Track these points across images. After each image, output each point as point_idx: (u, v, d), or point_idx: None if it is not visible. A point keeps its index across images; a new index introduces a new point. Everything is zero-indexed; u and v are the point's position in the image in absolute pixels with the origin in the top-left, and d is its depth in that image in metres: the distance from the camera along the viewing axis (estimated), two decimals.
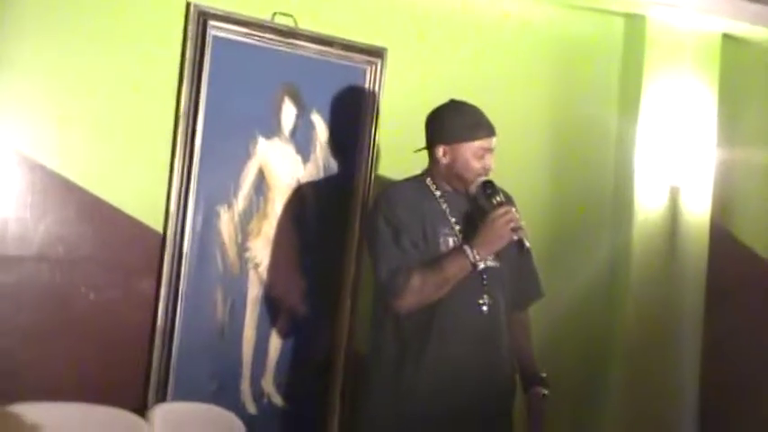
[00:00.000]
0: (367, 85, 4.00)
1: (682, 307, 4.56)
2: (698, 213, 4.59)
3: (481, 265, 3.44)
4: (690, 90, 4.58)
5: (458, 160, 3.52)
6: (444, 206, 3.55)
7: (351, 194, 4.00)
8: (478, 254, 3.42)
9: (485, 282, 3.50)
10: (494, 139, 3.52)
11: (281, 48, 3.82)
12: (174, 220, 3.66)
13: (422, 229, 3.50)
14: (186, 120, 3.66)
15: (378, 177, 4.02)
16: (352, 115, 4.00)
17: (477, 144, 3.50)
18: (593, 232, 4.52)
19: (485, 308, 3.50)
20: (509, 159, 3.80)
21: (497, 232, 3.42)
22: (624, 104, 4.59)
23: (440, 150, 3.54)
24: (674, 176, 4.54)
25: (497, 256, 3.51)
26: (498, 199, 3.46)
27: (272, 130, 3.86)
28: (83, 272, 3.59)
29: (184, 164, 3.66)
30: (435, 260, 3.46)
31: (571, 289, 4.31)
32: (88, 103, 3.58)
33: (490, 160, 3.51)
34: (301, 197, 3.93)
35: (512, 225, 3.41)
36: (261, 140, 3.82)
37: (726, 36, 4.68)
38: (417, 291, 3.43)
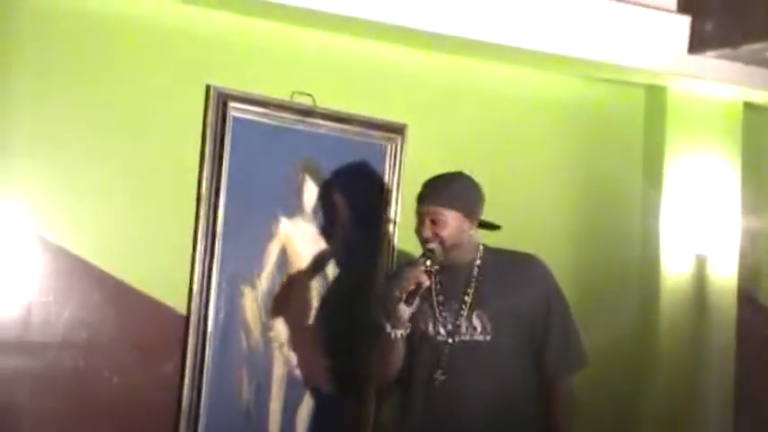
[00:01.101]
0: (387, 162, 4.02)
1: (712, 374, 4.53)
2: (725, 281, 4.58)
3: (397, 333, 3.38)
4: (713, 158, 4.60)
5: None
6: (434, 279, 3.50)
7: (374, 272, 3.98)
8: (389, 322, 3.39)
9: (445, 355, 3.43)
10: (432, 209, 3.43)
11: (300, 126, 3.85)
12: (198, 300, 3.67)
13: None
14: (208, 200, 3.68)
15: (400, 254, 4.00)
16: (373, 192, 4.01)
17: (418, 208, 3.48)
18: (620, 300, 4.49)
19: (437, 382, 3.42)
20: (533, 230, 3.86)
21: (391, 297, 3.39)
22: (648, 174, 4.59)
23: None
24: (699, 244, 4.53)
25: (484, 328, 3.43)
26: (425, 263, 3.38)
27: (294, 208, 3.87)
28: (106, 356, 3.60)
29: (207, 244, 3.68)
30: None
31: (598, 358, 4.15)
32: (110, 186, 3.62)
33: (429, 229, 3.42)
34: (322, 269, 3.92)
35: (403, 285, 3.34)
36: (283, 220, 3.84)
37: (747, 104, 4.71)
38: (370, 364, 3.58)
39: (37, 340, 3.51)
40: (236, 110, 3.72)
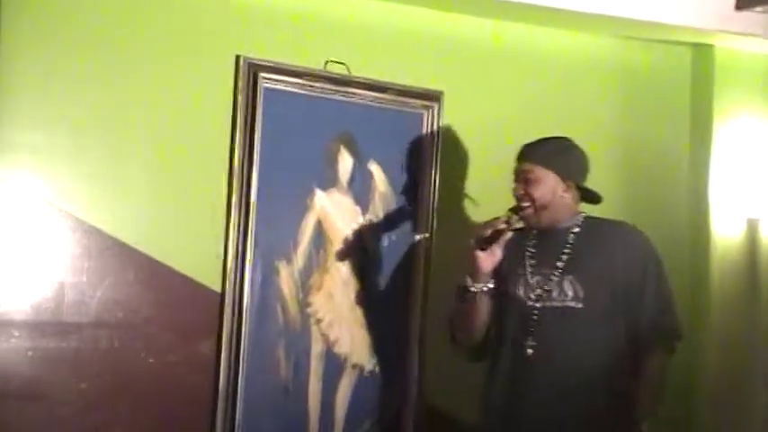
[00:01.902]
0: (425, 131, 3.98)
1: (765, 343, 4.43)
2: None
3: (477, 288, 3.35)
4: (763, 118, 4.50)
5: None
6: (528, 243, 3.49)
7: (413, 243, 3.98)
8: (470, 278, 3.37)
9: (532, 321, 3.39)
10: (527, 166, 3.42)
11: (334, 96, 3.81)
12: (233, 277, 3.64)
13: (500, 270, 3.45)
14: (240, 174, 3.64)
15: (440, 225, 3.98)
16: (410, 162, 3.98)
17: (514, 167, 3.48)
18: (670, 266, 4.22)
19: (529, 351, 3.37)
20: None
21: (470, 246, 3.36)
22: (696, 135, 4.54)
23: None
24: (751, 207, 4.45)
25: (576, 295, 3.37)
26: (508, 216, 3.38)
27: (330, 181, 3.84)
28: (141, 336, 3.59)
29: (240, 219, 3.65)
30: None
31: None
32: (140, 162, 3.59)
33: (521, 187, 3.42)
34: (363, 249, 3.90)
35: (478, 232, 3.34)
36: (318, 192, 3.81)
37: None
38: (452, 327, 3.51)
39: (71, 321, 3.49)
40: (267, 80, 3.67)
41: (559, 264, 3.42)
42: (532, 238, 3.47)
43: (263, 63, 3.67)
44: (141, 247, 3.57)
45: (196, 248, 3.66)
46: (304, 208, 3.78)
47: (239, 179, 3.64)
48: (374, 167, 3.93)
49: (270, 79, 3.68)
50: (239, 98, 3.64)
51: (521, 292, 3.43)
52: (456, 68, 4.10)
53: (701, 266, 4.43)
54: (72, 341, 3.50)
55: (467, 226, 3.99)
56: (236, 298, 3.64)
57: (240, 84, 3.64)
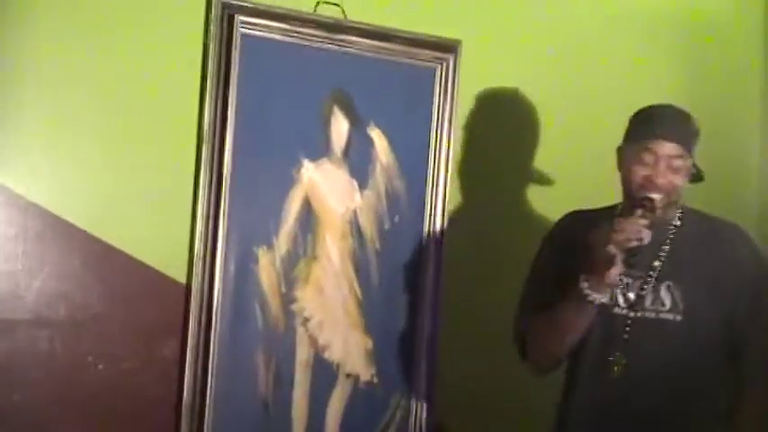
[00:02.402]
0: (437, 89, 3.76)
1: None
2: None
3: (594, 298, 3.03)
4: None
5: (623, 168, 3.21)
6: None
7: (422, 227, 3.76)
8: (590, 283, 3.04)
9: (626, 334, 3.15)
10: (667, 145, 3.11)
11: (327, 46, 3.58)
12: (201, 267, 3.41)
13: (572, 274, 3.18)
14: (212, 142, 3.41)
15: (455, 206, 3.82)
16: (420, 127, 3.76)
17: (638, 146, 3.14)
18: None
19: (615, 368, 3.14)
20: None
21: (600, 254, 3.01)
22: None
23: (618, 156, 3.28)
24: None
25: (674, 305, 3.15)
26: (643, 213, 3.06)
27: (320, 149, 3.60)
28: (90, 337, 3.34)
29: (211, 196, 3.41)
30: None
31: None
32: (92, 124, 3.32)
33: (661, 175, 3.10)
34: (360, 233, 3.68)
35: (617, 239, 2.97)
36: (306, 163, 3.56)
37: None
38: (532, 343, 3.26)
39: (1, 317, 3.22)
40: (245, 26, 3.44)
41: (656, 263, 3.20)
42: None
43: (241, 3, 3.44)
44: (90, 229, 3.33)
45: (157, 231, 3.42)
46: (289, 182, 3.56)
47: (210, 147, 3.40)
48: (375, 133, 3.70)
49: (248, 24, 3.45)
50: (211, 47, 3.39)
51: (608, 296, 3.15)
52: (475, 14, 3.90)
53: None
54: (2, 342, 3.24)
55: (489, 207, 3.89)
56: (204, 292, 3.42)
57: (212, 29, 3.40)
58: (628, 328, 3.17)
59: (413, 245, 3.77)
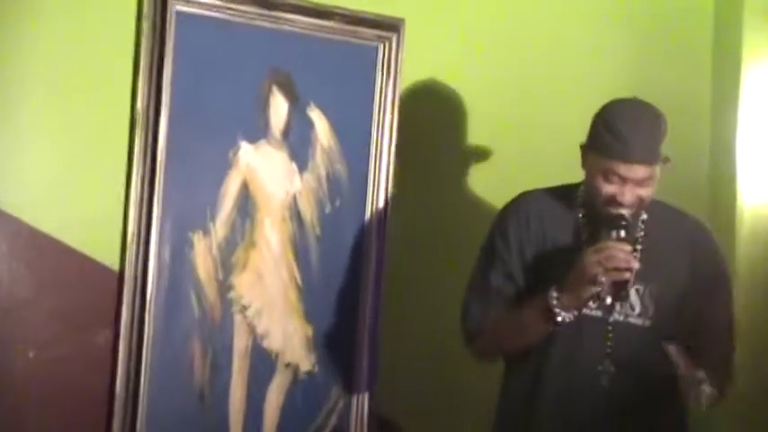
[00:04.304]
0: (379, 68, 3.98)
1: None
2: None
3: (563, 317, 3.33)
4: None
5: (589, 173, 3.47)
6: (584, 230, 3.52)
7: (364, 212, 4.00)
8: (560, 301, 3.32)
9: (609, 342, 3.45)
10: (635, 168, 3.34)
11: (265, 23, 3.80)
12: (134, 252, 3.62)
13: (537, 256, 3.51)
14: (145, 122, 3.62)
15: (399, 190, 4.02)
16: (362, 108, 3.98)
17: (606, 163, 3.37)
18: None
19: (604, 378, 3.43)
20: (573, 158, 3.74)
21: (583, 274, 3.28)
22: (720, 84, 4.60)
23: (582, 153, 3.49)
24: None
25: (644, 309, 3.45)
26: (618, 234, 3.33)
27: (258, 131, 3.82)
28: (18, 323, 3.53)
29: (144, 179, 3.62)
30: (519, 302, 3.46)
31: None
32: (20, 106, 3.53)
33: (628, 192, 3.35)
34: (299, 218, 3.90)
35: (607, 265, 3.25)
36: (243, 145, 3.79)
37: None
38: (489, 338, 3.50)
39: None
40: (180, 2, 3.65)
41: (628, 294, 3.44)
42: (587, 221, 3.51)
43: None
44: (18, 213, 3.51)
45: (89, 215, 3.61)
46: (226, 165, 3.77)
47: (143, 128, 3.62)
48: (315, 115, 3.91)
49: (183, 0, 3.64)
50: (144, 25, 3.60)
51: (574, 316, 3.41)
52: None
53: (724, 243, 4.20)
54: None
55: (434, 191, 4.10)
56: (138, 278, 3.62)
57: (145, 6, 3.60)
58: (611, 335, 3.44)
59: (354, 230, 3.98)
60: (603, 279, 3.25)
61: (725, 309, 3.53)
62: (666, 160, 3.42)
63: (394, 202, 4.02)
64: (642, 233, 3.49)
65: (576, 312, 3.32)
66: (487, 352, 3.59)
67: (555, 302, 3.31)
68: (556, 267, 3.40)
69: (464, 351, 3.62)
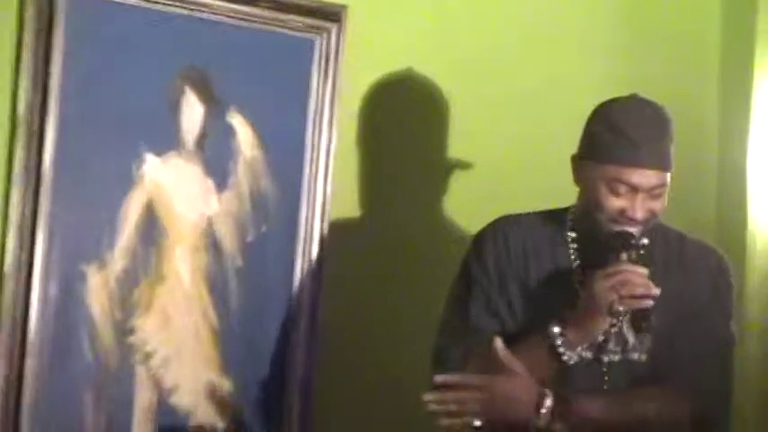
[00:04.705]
0: (316, 65, 3.80)
1: None
2: None
3: (568, 357, 3.13)
4: None
5: (587, 186, 3.27)
6: (574, 258, 3.33)
7: (296, 239, 3.80)
8: (566, 337, 3.13)
9: (606, 385, 3.26)
10: (648, 175, 3.15)
11: (177, 10, 3.61)
12: (12, 289, 3.39)
13: (520, 289, 3.32)
14: (28, 129, 3.40)
15: (338, 212, 3.85)
16: (294, 113, 3.80)
17: (611, 171, 3.17)
18: None
19: None
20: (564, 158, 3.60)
21: (594, 304, 3.11)
22: (729, 88, 4.49)
23: (575, 165, 3.33)
24: None
25: (639, 341, 3.25)
26: (630, 255, 3.16)
27: (167, 140, 3.62)
28: None
29: (26, 198, 3.41)
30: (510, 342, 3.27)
31: None
32: None
33: (639, 205, 3.16)
34: (217, 247, 3.70)
35: (622, 292, 3.06)
36: (149, 158, 3.58)
37: None
38: (455, 364, 3.30)
39: None
40: None
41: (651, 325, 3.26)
42: (580, 246, 3.33)
43: None
44: None
45: None
46: (127, 182, 3.57)
47: (26, 137, 3.40)
48: (237, 121, 3.71)
49: None
50: (27, 12, 3.38)
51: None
52: None
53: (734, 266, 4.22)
54: None
55: (383, 211, 3.95)
56: (17, 320, 3.40)
57: None
58: (606, 378, 3.26)
59: (284, 261, 3.77)
60: (621, 308, 3.08)
61: (718, 329, 3.33)
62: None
63: (333, 226, 3.86)
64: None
65: (583, 351, 3.15)
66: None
67: (559, 341, 3.12)
68: (543, 302, 3.26)
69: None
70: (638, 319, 3.11)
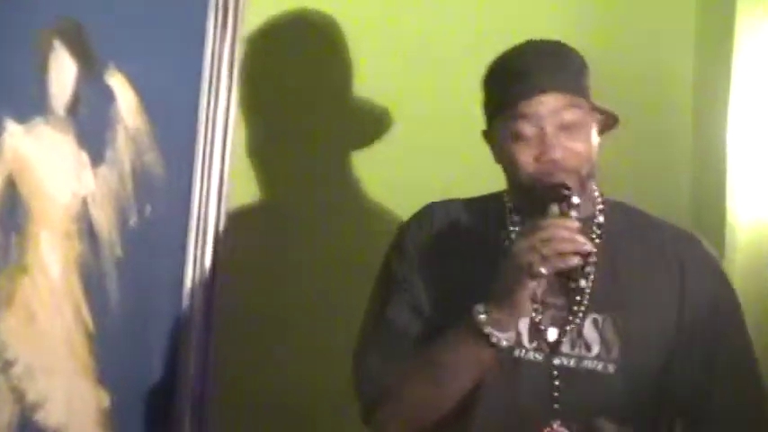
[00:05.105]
0: (213, 16, 3.53)
1: None
2: None
3: (498, 338, 2.88)
4: None
5: (501, 154, 3.08)
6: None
7: (188, 224, 3.53)
8: (489, 315, 2.88)
9: (556, 393, 3.01)
10: (546, 99, 2.95)
11: None
12: None
13: (454, 281, 3.10)
14: None
15: (241, 188, 3.67)
16: (186, 74, 3.55)
17: (509, 114, 2.98)
18: None
19: None
20: None
21: (513, 268, 2.87)
22: (705, 62, 4.38)
23: (488, 140, 3.16)
24: None
25: (605, 349, 3.02)
26: (560, 209, 2.93)
27: (32, 105, 3.31)
28: None
29: None
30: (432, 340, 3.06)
31: None
32: None
33: (550, 144, 2.94)
34: (92, 233, 3.39)
35: (544, 250, 2.82)
36: (9, 126, 3.23)
37: None
38: (399, 400, 3.07)
39: None
40: None
41: (581, 285, 3.07)
42: (521, 226, 3.11)
43: None
44: None
45: None
46: None
47: None
48: (117, 82, 3.42)
49: None
50: None
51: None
52: None
53: None
54: None
55: (292, 192, 3.83)
56: None
57: None
58: (557, 382, 3.03)
59: (173, 250, 3.55)
60: (543, 270, 2.80)
61: (744, 354, 3.13)
62: (606, 114, 3.06)
63: (233, 209, 3.63)
64: (597, 239, 3.05)
65: (515, 331, 2.93)
66: (399, 422, 3.09)
67: (483, 318, 2.86)
68: (479, 291, 2.98)
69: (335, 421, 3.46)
70: (568, 280, 2.89)
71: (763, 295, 4.21)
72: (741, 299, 3.74)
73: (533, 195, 2.95)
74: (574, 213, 2.87)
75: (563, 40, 3.25)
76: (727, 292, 3.18)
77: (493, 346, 2.87)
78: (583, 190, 2.97)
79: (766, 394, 3.13)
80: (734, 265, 4.18)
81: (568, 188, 2.89)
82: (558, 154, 2.92)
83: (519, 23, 3.82)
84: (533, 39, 3.08)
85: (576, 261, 2.80)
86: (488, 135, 3.09)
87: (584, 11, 4.24)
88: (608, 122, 3.09)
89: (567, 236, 2.82)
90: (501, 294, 2.86)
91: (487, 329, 2.85)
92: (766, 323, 4.05)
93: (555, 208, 2.87)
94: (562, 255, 2.80)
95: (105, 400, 3.41)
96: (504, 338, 2.86)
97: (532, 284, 2.84)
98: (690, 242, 3.20)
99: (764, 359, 3.64)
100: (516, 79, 2.98)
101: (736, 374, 3.11)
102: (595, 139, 3.01)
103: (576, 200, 2.89)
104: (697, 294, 3.10)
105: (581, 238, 2.82)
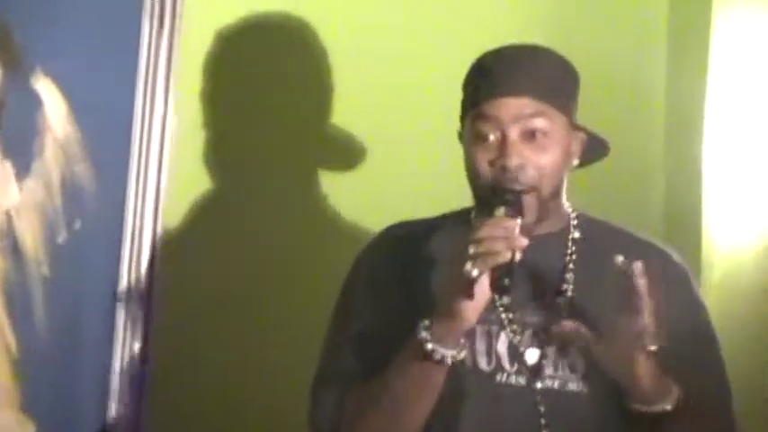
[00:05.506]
0: (148, 16, 3.45)
1: None
2: None
3: (441, 354, 2.78)
4: None
5: (464, 155, 3.03)
6: None
7: (121, 240, 3.44)
8: (431, 330, 2.80)
9: (543, 419, 2.93)
10: (509, 102, 2.87)
11: None
12: None
13: (412, 306, 2.97)
14: None
15: (179, 201, 3.56)
16: (120, 77, 3.45)
17: (473, 114, 2.92)
18: None
19: None
20: None
21: (450, 274, 2.80)
22: (677, 55, 4.32)
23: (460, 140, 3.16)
24: None
25: (573, 368, 2.96)
26: (507, 213, 2.85)
27: None
28: None
29: None
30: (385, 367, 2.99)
31: None
32: None
33: (509, 147, 2.85)
34: (16, 249, 3.31)
35: (478, 249, 2.73)
36: None
37: None
38: (354, 426, 2.99)
39: None
40: None
41: (559, 302, 3.00)
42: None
43: None
44: None
45: None
46: None
47: None
48: (44, 87, 3.34)
49: None
50: None
51: (484, 361, 2.98)
52: None
53: None
54: None
55: (238, 204, 3.69)
56: None
57: None
58: (542, 408, 2.94)
59: (105, 268, 3.46)
60: (476, 271, 2.69)
61: (717, 378, 3.06)
62: (597, 140, 2.98)
63: (170, 224, 3.55)
64: (573, 256, 2.99)
65: (461, 344, 2.80)
66: None
67: (425, 335, 2.76)
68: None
69: None
70: (498, 278, 2.73)
71: (739, 310, 4.14)
72: (717, 315, 3.55)
73: (484, 200, 2.91)
74: (521, 220, 2.78)
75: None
76: (697, 304, 3.12)
77: (439, 362, 2.80)
78: (541, 204, 2.90)
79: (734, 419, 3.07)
80: (711, 282, 4.10)
81: (515, 192, 2.82)
82: (513, 162, 2.85)
83: (491, 34, 3.56)
84: (520, 43, 3.04)
85: (508, 255, 2.71)
86: (461, 139, 3.02)
87: (552, 19, 4.16)
88: (595, 149, 3.03)
89: (501, 234, 2.74)
90: (441, 306, 2.80)
91: (430, 346, 2.77)
92: (741, 339, 3.95)
93: (501, 210, 2.79)
94: (494, 253, 2.72)
95: (31, 429, 3.31)
96: (448, 355, 2.78)
97: (466, 291, 2.74)
98: (660, 255, 3.10)
99: (740, 378, 3.49)
100: (484, 79, 2.93)
101: (706, 392, 3.00)
102: (569, 157, 2.94)
103: (518, 202, 2.82)
104: (667, 307, 2.93)
105: (514, 234, 2.73)
